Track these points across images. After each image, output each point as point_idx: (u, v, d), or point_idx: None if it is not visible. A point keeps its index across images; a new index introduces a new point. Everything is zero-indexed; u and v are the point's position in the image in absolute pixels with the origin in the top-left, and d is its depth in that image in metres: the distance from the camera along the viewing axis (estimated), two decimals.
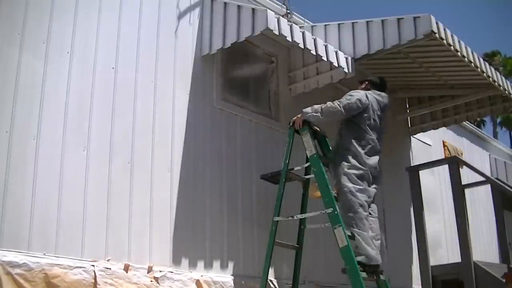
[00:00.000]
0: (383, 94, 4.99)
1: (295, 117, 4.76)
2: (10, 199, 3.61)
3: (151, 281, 4.15)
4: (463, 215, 5.58)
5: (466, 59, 5.54)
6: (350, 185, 4.46)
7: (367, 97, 4.77)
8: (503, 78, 6.42)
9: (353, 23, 5.56)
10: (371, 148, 4.67)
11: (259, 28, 4.69)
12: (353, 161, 4.56)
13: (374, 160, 4.67)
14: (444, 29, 5.19)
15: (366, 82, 5.05)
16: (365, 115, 4.71)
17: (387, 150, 5.34)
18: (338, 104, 4.63)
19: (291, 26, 4.84)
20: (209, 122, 5.09)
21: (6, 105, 3.74)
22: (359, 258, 4.25)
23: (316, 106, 4.68)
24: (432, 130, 7.87)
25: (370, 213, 4.57)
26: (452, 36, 5.30)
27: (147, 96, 4.64)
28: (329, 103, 4.66)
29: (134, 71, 4.59)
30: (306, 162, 4.82)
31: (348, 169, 4.53)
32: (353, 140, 4.63)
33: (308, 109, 4.69)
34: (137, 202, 4.32)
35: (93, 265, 3.86)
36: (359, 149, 4.60)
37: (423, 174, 6.31)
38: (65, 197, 3.88)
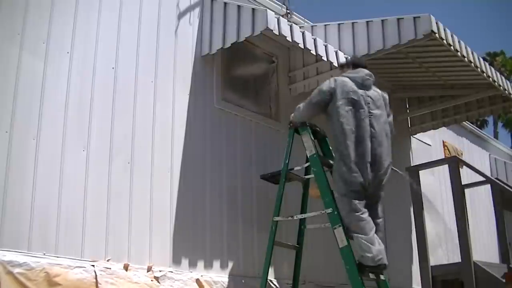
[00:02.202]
0: (359, 69, 4.51)
1: (291, 117, 4.75)
2: (10, 199, 3.61)
3: (152, 280, 4.15)
4: (463, 215, 5.57)
5: (466, 59, 5.54)
6: (340, 185, 4.24)
7: (335, 82, 4.37)
8: (503, 78, 6.43)
9: (353, 23, 5.56)
10: (358, 139, 4.22)
11: (259, 28, 4.70)
12: (340, 163, 4.26)
13: (366, 151, 4.22)
14: (444, 29, 5.19)
15: (341, 67, 4.76)
16: (338, 103, 4.27)
17: None
18: (310, 99, 4.47)
19: (291, 26, 4.84)
20: (209, 122, 5.09)
21: (6, 105, 3.74)
22: (367, 261, 4.05)
23: (300, 105, 4.59)
24: (432, 130, 7.86)
25: (377, 214, 4.35)
26: (452, 36, 5.30)
27: (147, 96, 4.64)
28: (305, 101, 4.54)
29: (134, 71, 4.59)
30: (306, 162, 4.82)
31: (336, 170, 4.33)
32: (337, 140, 4.30)
33: (295, 113, 4.67)
34: (137, 202, 4.32)
35: (93, 265, 3.86)
36: (345, 148, 4.21)
37: (423, 174, 6.30)
38: (65, 197, 3.88)
